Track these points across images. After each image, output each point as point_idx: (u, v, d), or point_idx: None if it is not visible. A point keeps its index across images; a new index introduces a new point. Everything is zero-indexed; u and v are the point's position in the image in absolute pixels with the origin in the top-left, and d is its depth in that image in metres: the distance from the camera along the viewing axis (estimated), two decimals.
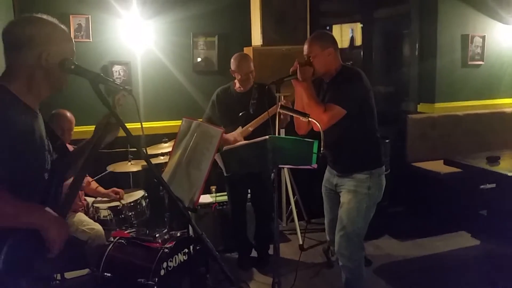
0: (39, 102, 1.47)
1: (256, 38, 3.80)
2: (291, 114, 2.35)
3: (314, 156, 2.19)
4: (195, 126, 1.93)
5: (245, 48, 3.85)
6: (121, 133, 1.54)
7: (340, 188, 2.52)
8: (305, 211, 4.36)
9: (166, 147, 3.34)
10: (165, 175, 1.91)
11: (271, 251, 3.61)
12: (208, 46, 4.02)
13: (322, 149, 2.13)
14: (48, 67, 1.40)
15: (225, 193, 3.63)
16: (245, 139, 3.05)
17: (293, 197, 4.09)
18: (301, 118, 2.26)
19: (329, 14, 4.92)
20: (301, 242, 3.86)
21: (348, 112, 2.32)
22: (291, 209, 4.05)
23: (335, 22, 5.01)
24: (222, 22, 4.02)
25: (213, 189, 4.01)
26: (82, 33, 3.62)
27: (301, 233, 3.93)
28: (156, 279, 2.40)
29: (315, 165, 2.27)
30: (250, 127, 3.08)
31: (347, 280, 2.52)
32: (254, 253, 3.63)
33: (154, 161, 3.29)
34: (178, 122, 3.93)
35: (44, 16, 1.45)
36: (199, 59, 4.02)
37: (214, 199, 3.82)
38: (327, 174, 2.68)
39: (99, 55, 3.69)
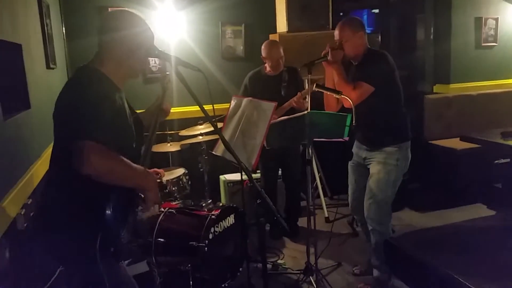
0: (124, 82, 1.74)
1: (281, 25, 4.05)
2: (325, 91, 2.61)
3: (347, 129, 2.47)
4: (246, 102, 2.20)
5: (270, 35, 4.10)
6: None
7: (369, 160, 2.78)
8: (328, 188, 4.64)
9: (202, 128, 3.62)
10: (220, 147, 2.19)
11: (299, 223, 3.93)
12: (235, 35, 4.28)
13: (354, 122, 2.39)
14: (132, 53, 1.67)
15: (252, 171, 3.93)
16: None
17: (318, 174, 4.37)
18: (334, 95, 2.53)
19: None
20: (326, 215, 4.15)
21: (376, 89, 2.58)
22: (316, 185, 4.33)
23: (354, 7, 5.23)
24: (248, 11, 4.27)
25: None
26: None
27: (326, 207, 4.22)
28: (206, 242, 2.70)
29: (346, 138, 2.55)
30: (283, 108, 3.34)
31: (377, 243, 2.79)
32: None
33: (193, 140, 3.58)
34: (208, 106, 4.27)
35: (131, 10, 1.72)
36: (237, 48, 4.27)
37: (246, 176, 4.12)
38: (355, 149, 2.93)
39: None
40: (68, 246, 1.53)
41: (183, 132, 3.72)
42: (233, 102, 2.34)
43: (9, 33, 1.86)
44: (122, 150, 1.59)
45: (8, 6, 1.88)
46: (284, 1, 3.91)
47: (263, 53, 3.48)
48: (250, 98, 2.28)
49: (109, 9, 3.85)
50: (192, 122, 3.76)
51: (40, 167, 2.10)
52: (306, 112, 2.39)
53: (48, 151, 2.37)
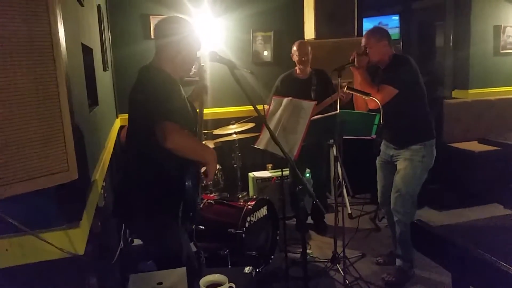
0: (180, 77, 2.05)
1: (309, 32, 4.32)
2: (355, 93, 2.86)
3: (375, 127, 2.72)
4: (287, 102, 2.48)
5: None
6: None
7: (396, 158, 3.02)
8: (350, 187, 4.87)
9: (235, 128, 3.90)
10: (262, 141, 2.47)
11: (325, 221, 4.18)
12: (265, 41, 4.56)
13: (382, 121, 2.64)
14: (185, 54, 1.97)
15: (278, 170, 4.24)
16: None
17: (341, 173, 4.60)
18: (363, 97, 2.78)
19: (373, 7, 5.38)
20: (349, 212, 4.39)
21: (400, 91, 2.82)
22: (340, 184, 4.56)
23: (378, 14, 5.48)
24: (277, 19, 4.55)
25: (269, 167, 4.60)
26: None
27: (349, 204, 4.46)
28: (244, 229, 2.98)
29: (374, 136, 2.80)
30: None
31: (402, 233, 3.02)
32: (309, 220, 4.18)
33: (227, 138, 3.86)
34: (240, 108, 4.57)
35: (179, 16, 2.03)
36: (265, 53, 4.56)
37: (272, 174, 4.40)
38: (383, 147, 3.18)
39: None
40: (154, 216, 1.84)
41: (217, 131, 4.00)
42: (273, 102, 2.62)
43: (86, 39, 2.16)
44: (188, 128, 1.91)
45: (86, 14, 2.19)
46: (313, 9, 4.19)
47: (293, 49, 3.76)
48: (290, 98, 2.55)
49: (151, 17, 4.18)
50: (224, 122, 4.05)
51: (107, 155, 2.40)
52: (338, 111, 2.65)
53: (109, 143, 2.67)
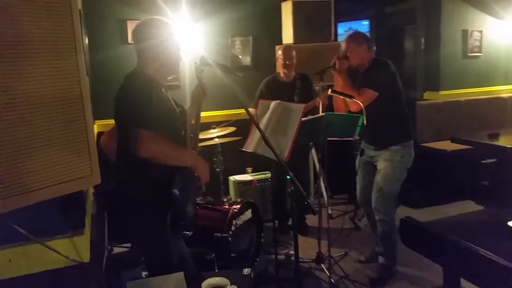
0: (166, 79, 2.04)
1: (287, 37, 4.38)
2: (339, 96, 2.93)
3: (358, 129, 2.79)
4: (275, 105, 2.51)
5: (277, 46, 4.42)
6: None
7: (376, 158, 3.10)
8: (329, 188, 4.95)
9: (215, 132, 3.90)
10: (251, 144, 2.49)
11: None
12: (244, 45, 4.59)
13: (365, 122, 2.71)
14: (165, 58, 1.96)
15: (258, 173, 4.33)
16: None
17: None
18: (347, 99, 2.85)
19: (344, 12, 5.51)
20: (330, 212, 4.45)
21: (380, 94, 2.91)
22: (319, 185, 4.63)
23: (348, 19, 5.62)
24: (255, 24, 4.58)
25: (249, 170, 4.62)
26: None
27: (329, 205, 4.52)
28: (230, 232, 2.98)
29: (357, 137, 2.87)
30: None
31: (382, 232, 3.11)
32: (290, 221, 4.23)
33: (209, 143, 3.86)
34: (220, 112, 4.57)
35: (162, 18, 2.00)
36: (240, 57, 4.59)
37: (253, 177, 4.42)
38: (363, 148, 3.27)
39: None
40: (141, 226, 1.81)
41: None
42: (260, 106, 2.65)
43: None
44: (172, 135, 1.89)
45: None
46: (291, 14, 4.24)
47: (277, 53, 3.81)
48: (278, 101, 2.59)
49: (128, 22, 4.13)
50: (204, 126, 4.03)
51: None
52: (323, 114, 2.70)
53: None
